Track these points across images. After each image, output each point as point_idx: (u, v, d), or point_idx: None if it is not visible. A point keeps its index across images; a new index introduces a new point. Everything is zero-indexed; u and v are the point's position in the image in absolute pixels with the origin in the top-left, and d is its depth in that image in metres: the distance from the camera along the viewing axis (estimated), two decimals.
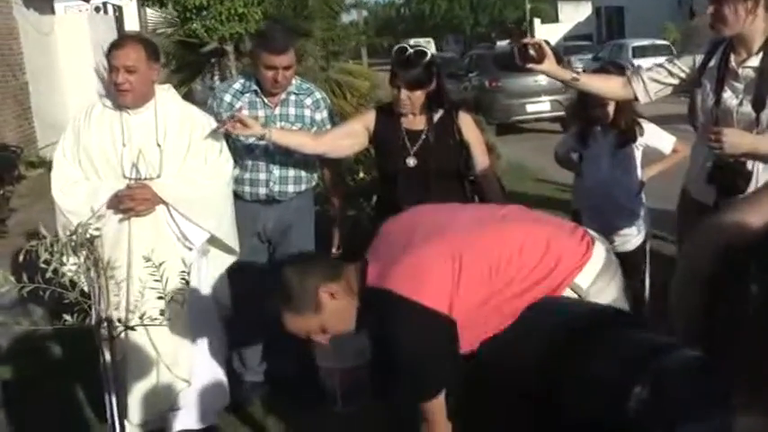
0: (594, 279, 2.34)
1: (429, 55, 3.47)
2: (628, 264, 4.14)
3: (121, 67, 3.28)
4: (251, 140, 3.74)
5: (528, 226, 2.49)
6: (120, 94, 3.34)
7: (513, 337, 2.16)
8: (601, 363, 1.74)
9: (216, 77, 10.44)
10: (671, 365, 1.63)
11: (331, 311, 2.34)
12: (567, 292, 2.32)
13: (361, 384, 3.80)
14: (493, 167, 3.65)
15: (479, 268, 2.30)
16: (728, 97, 3.01)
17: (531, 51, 3.13)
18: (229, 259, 3.66)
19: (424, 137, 3.49)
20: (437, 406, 2.36)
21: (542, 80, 13.75)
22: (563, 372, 1.78)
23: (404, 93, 3.42)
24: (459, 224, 2.48)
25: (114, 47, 3.36)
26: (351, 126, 3.74)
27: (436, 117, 3.53)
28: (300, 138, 3.70)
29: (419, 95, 3.44)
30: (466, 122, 3.56)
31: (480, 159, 3.53)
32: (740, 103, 2.98)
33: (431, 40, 50.86)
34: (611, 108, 3.94)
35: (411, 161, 3.49)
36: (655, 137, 4.08)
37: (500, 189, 3.65)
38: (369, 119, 3.62)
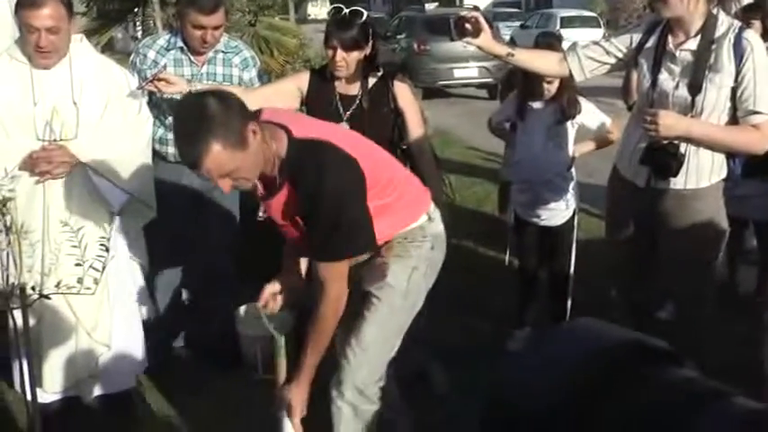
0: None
1: (365, 15, 3.36)
2: (555, 238, 4.18)
3: (43, 29, 3.01)
4: (176, 99, 3.59)
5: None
6: (42, 56, 3.08)
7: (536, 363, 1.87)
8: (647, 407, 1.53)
9: (138, 27, 10.04)
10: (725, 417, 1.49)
11: (252, 151, 2.28)
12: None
13: None
14: (427, 138, 3.58)
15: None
16: (665, 79, 2.98)
17: (468, 26, 3.07)
18: (146, 219, 3.50)
19: (357, 102, 3.39)
20: (337, 272, 2.45)
21: (471, 46, 13.75)
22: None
23: (339, 54, 3.29)
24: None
25: (31, 5, 3.00)
26: (283, 85, 3.63)
27: (371, 83, 3.43)
28: None
29: (355, 56, 3.32)
30: (402, 90, 3.46)
31: (414, 129, 3.44)
32: (676, 86, 2.94)
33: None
34: (555, 85, 3.91)
35: (343, 126, 3.38)
36: (590, 116, 4.04)
37: (433, 160, 3.56)
38: (302, 80, 3.49)
